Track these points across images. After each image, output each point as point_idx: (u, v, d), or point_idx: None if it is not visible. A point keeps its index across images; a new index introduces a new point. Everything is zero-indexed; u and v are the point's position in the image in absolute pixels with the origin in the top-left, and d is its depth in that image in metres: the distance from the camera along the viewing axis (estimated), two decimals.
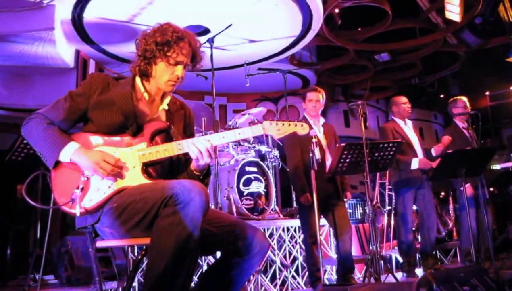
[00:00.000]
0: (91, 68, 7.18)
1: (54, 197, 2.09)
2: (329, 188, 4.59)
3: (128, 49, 6.77)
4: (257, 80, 7.01)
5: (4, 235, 7.61)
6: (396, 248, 6.56)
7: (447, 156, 4.49)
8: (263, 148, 5.64)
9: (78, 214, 2.04)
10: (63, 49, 6.36)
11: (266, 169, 5.32)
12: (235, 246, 2.11)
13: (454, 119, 5.59)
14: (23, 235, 7.86)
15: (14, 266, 7.21)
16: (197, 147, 2.13)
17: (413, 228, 5.99)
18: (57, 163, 2.11)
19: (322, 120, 4.80)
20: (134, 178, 2.12)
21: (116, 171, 2.10)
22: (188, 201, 1.85)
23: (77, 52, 6.92)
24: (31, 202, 2.08)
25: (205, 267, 4.15)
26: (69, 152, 2.08)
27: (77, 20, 6.12)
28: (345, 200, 4.77)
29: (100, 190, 2.08)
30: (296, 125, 2.26)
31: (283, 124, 2.23)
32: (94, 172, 2.07)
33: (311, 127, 4.60)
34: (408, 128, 5.41)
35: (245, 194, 4.95)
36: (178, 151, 2.15)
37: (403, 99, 5.43)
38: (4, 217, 7.81)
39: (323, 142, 4.67)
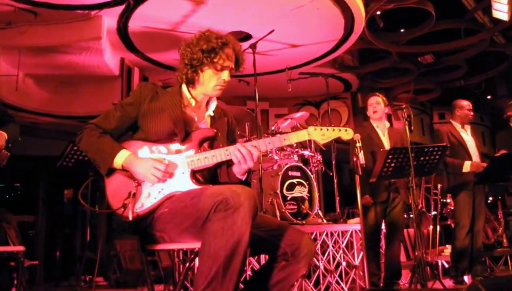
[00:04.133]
0: (136, 76, 7.37)
1: (108, 202, 2.16)
2: (386, 192, 4.67)
3: (171, 56, 6.90)
4: (299, 85, 7.00)
5: (52, 238, 7.91)
6: (443, 254, 6.43)
7: (495, 159, 4.36)
8: (306, 153, 5.61)
9: (130, 219, 2.09)
10: (109, 57, 6.55)
11: (309, 173, 5.28)
12: (282, 250, 2.14)
13: (510, 124, 5.46)
14: (69, 238, 8.15)
15: (63, 268, 7.48)
16: (241, 152, 2.15)
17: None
18: (110, 170, 2.19)
19: (387, 124, 4.93)
20: (184, 183, 2.17)
21: (166, 177, 2.16)
22: (238, 206, 1.87)
23: (122, 60, 7.11)
24: (88, 207, 2.16)
25: (249, 272, 4.17)
26: (121, 159, 2.15)
27: (122, 29, 6.30)
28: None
29: (151, 195, 2.14)
30: (340, 130, 2.27)
31: (327, 130, 2.24)
32: (145, 178, 2.14)
33: (368, 132, 4.76)
34: (464, 132, 5.33)
35: (288, 198, 4.94)
36: (226, 157, 2.19)
37: (468, 104, 5.36)
38: (52, 221, 8.12)
39: (387, 146, 4.72)
